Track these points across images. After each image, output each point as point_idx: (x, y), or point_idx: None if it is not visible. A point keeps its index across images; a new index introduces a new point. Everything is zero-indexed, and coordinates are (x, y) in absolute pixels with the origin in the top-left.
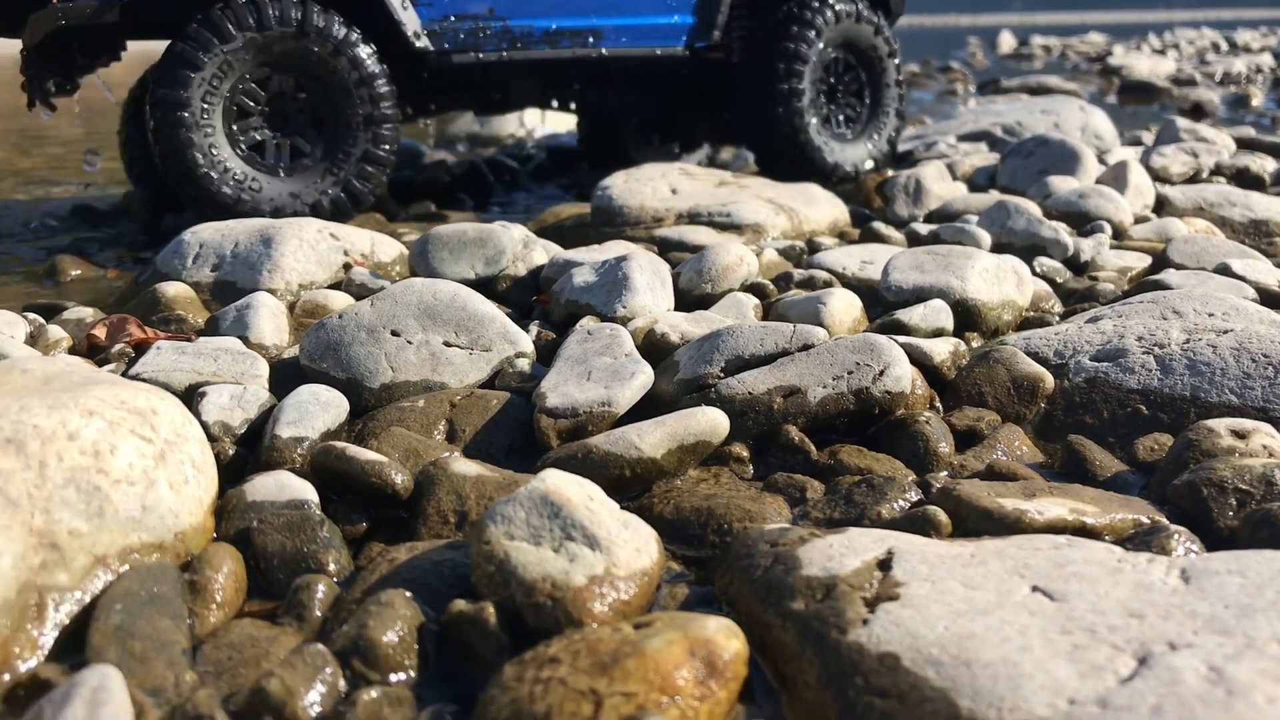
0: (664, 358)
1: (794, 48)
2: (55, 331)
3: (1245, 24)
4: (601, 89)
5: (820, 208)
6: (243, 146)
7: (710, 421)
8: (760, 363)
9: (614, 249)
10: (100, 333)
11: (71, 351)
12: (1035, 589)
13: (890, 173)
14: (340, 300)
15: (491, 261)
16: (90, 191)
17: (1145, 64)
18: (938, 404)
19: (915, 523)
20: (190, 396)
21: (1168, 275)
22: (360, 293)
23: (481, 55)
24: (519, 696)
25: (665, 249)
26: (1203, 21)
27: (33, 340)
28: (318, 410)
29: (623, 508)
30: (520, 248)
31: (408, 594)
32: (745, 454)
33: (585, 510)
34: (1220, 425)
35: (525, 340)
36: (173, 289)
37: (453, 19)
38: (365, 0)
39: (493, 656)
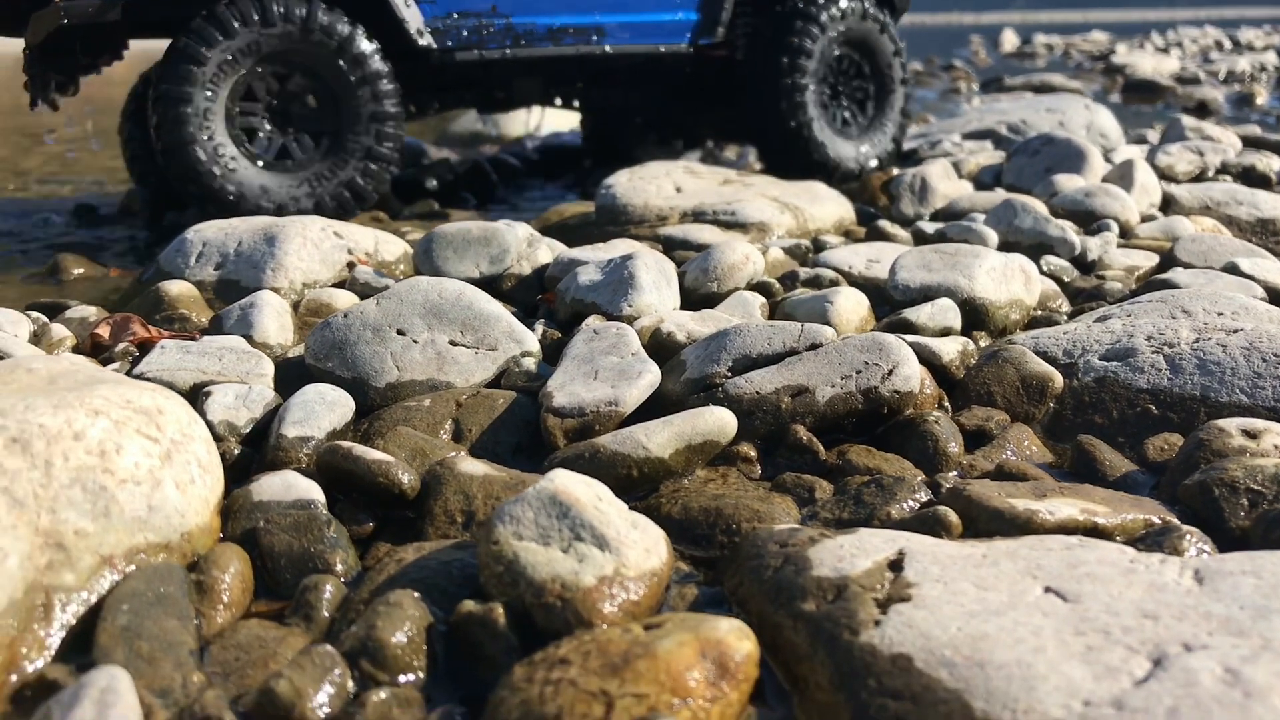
0: (670, 357)
1: (798, 43)
2: (59, 330)
3: (1248, 22)
4: (605, 87)
5: (825, 206)
6: (246, 143)
7: (718, 421)
8: (768, 362)
9: (619, 247)
10: (104, 331)
11: (75, 350)
12: (1048, 590)
13: (895, 171)
14: (345, 299)
15: (496, 260)
16: (92, 190)
17: (1149, 62)
18: (946, 403)
19: (926, 523)
20: (195, 396)
21: (1175, 274)
22: (364, 291)
23: (484, 53)
24: (529, 698)
25: (670, 247)
26: (1205, 20)
27: (36, 339)
28: (323, 410)
29: (630, 508)
30: (525, 246)
31: (416, 594)
32: (753, 454)
33: (594, 510)
34: (1231, 425)
35: (531, 339)
36: (176, 287)
37: (456, 16)
38: None
39: (502, 657)
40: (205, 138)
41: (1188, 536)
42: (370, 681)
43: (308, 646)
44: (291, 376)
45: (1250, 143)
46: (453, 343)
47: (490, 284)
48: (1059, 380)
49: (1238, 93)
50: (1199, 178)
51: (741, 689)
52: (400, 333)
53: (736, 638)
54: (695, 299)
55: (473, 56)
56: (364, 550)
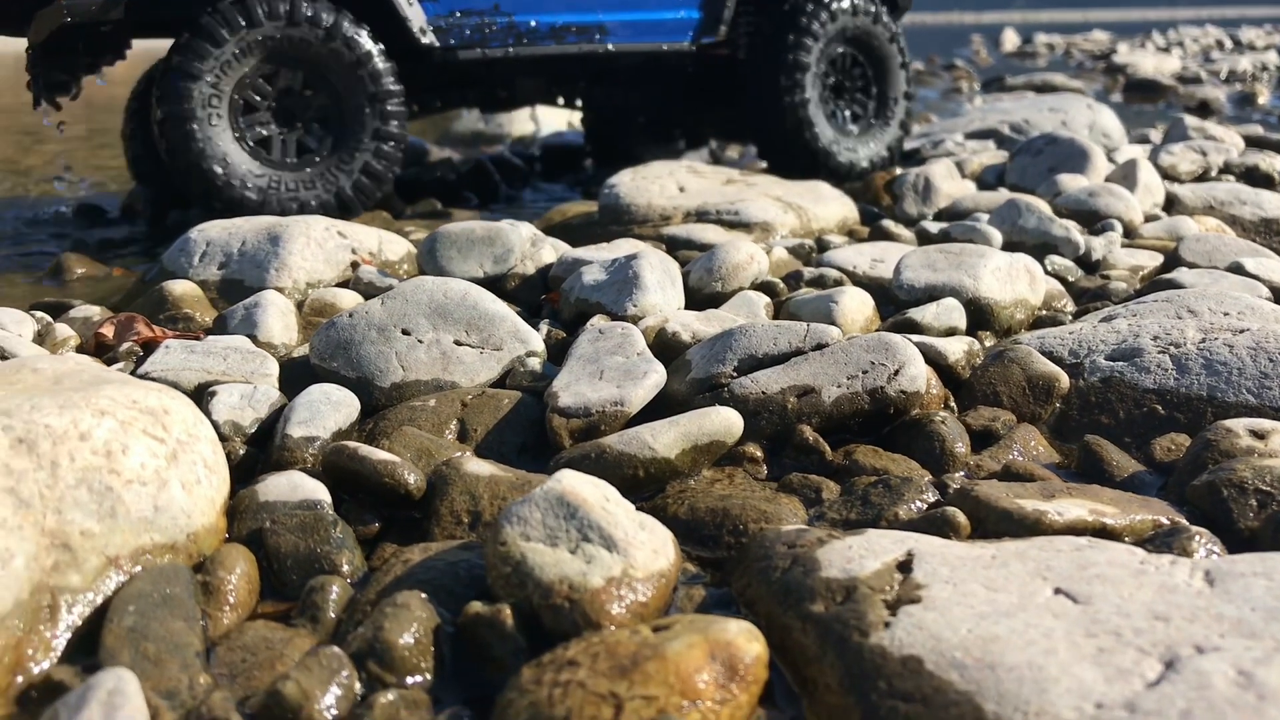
0: (675, 357)
1: (798, 41)
2: (63, 330)
3: (1249, 21)
4: (607, 86)
5: (829, 205)
6: (249, 142)
7: (724, 421)
8: (773, 362)
9: (623, 247)
10: (108, 331)
11: (79, 350)
12: (1058, 591)
13: (899, 170)
14: (349, 299)
15: (500, 260)
16: (95, 190)
17: (1150, 62)
18: (952, 404)
19: (934, 524)
20: (200, 396)
21: (1180, 274)
22: (368, 291)
23: (487, 51)
24: (538, 699)
25: (673, 247)
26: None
27: (40, 339)
28: (329, 410)
29: (637, 508)
30: (529, 246)
31: (423, 595)
32: (759, 454)
33: (602, 511)
34: (1238, 425)
35: (536, 339)
36: (180, 287)
37: (458, 14)
38: None
39: (510, 659)
40: (210, 136)
41: (1197, 537)
42: (377, 683)
43: (314, 648)
44: (296, 376)
45: (1253, 142)
46: (458, 342)
47: (494, 283)
48: (1065, 380)
49: (1239, 92)
50: (1202, 177)
51: (751, 691)
52: (405, 332)
53: (746, 640)
54: (700, 299)
55: (475, 55)
56: (370, 551)
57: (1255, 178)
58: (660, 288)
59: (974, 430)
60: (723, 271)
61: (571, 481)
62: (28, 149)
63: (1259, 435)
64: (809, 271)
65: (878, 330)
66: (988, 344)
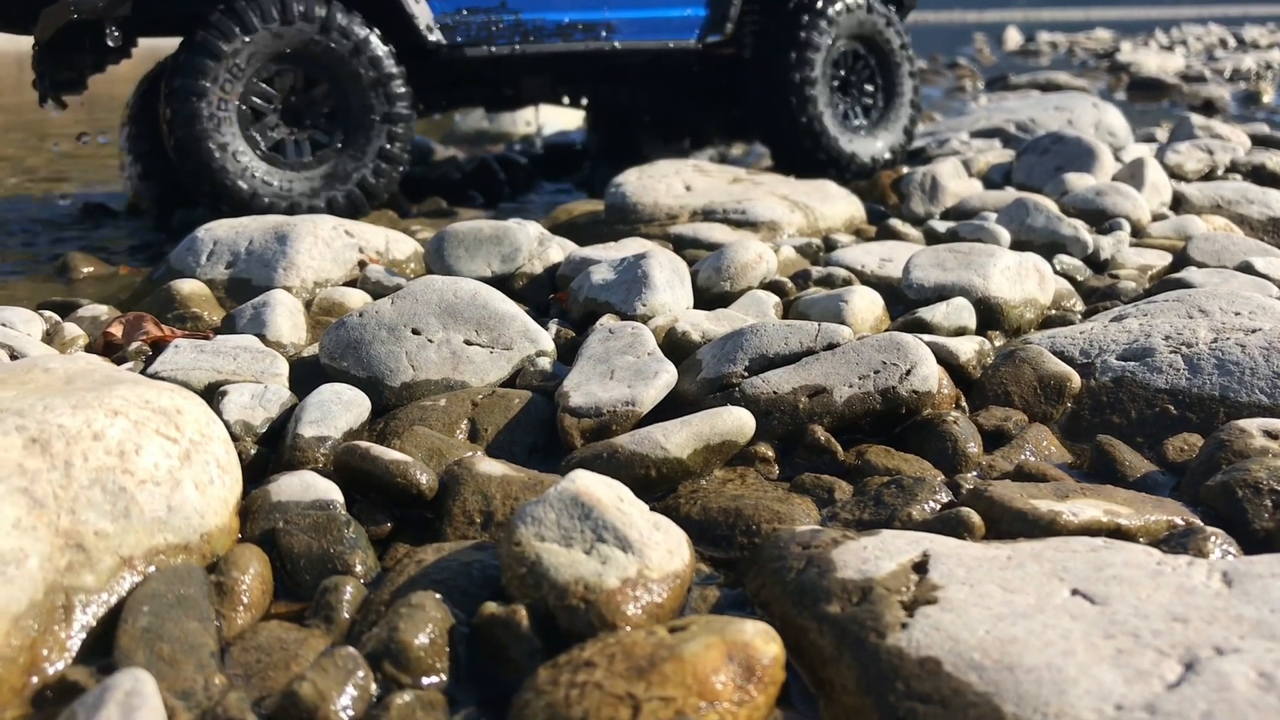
0: (685, 356)
1: (806, 37)
2: (71, 329)
3: (1252, 20)
4: (613, 84)
5: (836, 204)
6: (259, 143)
7: (736, 421)
8: (784, 362)
9: (631, 246)
10: (117, 330)
11: (88, 349)
12: (1075, 592)
13: (905, 169)
14: (357, 298)
15: (508, 259)
16: (98, 189)
17: (1154, 60)
18: (963, 404)
19: (948, 524)
20: (210, 395)
21: (1189, 273)
22: (376, 290)
23: (494, 49)
24: (554, 700)
25: (680, 246)
26: (1209, 17)
27: (49, 338)
28: (340, 409)
29: (650, 509)
30: (536, 245)
31: (437, 596)
32: (771, 454)
33: (616, 511)
34: (1252, 425)
35: (546, 339)
36: (187, 286)
37: (465, 12)
38: None
39: (525, 659)
40: (218, 135)
41: (1212, 538)
42: (393, 684)
43: (330, 649)
44: (306, 376)
45: (1259, 141)
46: (468, 342)
47: (502, 283)
48: (1077, 380)
49: (1244, 91)
50: (1208, 176)
51: (769, 692)
52: (415, 332)
53: (763, 641)
54: (708, 298)
55: (482, 53)
56: (382, 551)
57: (1262, 176)
58: (669, 287)
59: (986, 430)
60: (731, 271)
61: (585, 482)
62: (33, 147)
63: (1273, 436)
64: (817, 271)
65: (887, 330)
66: (997, 343)
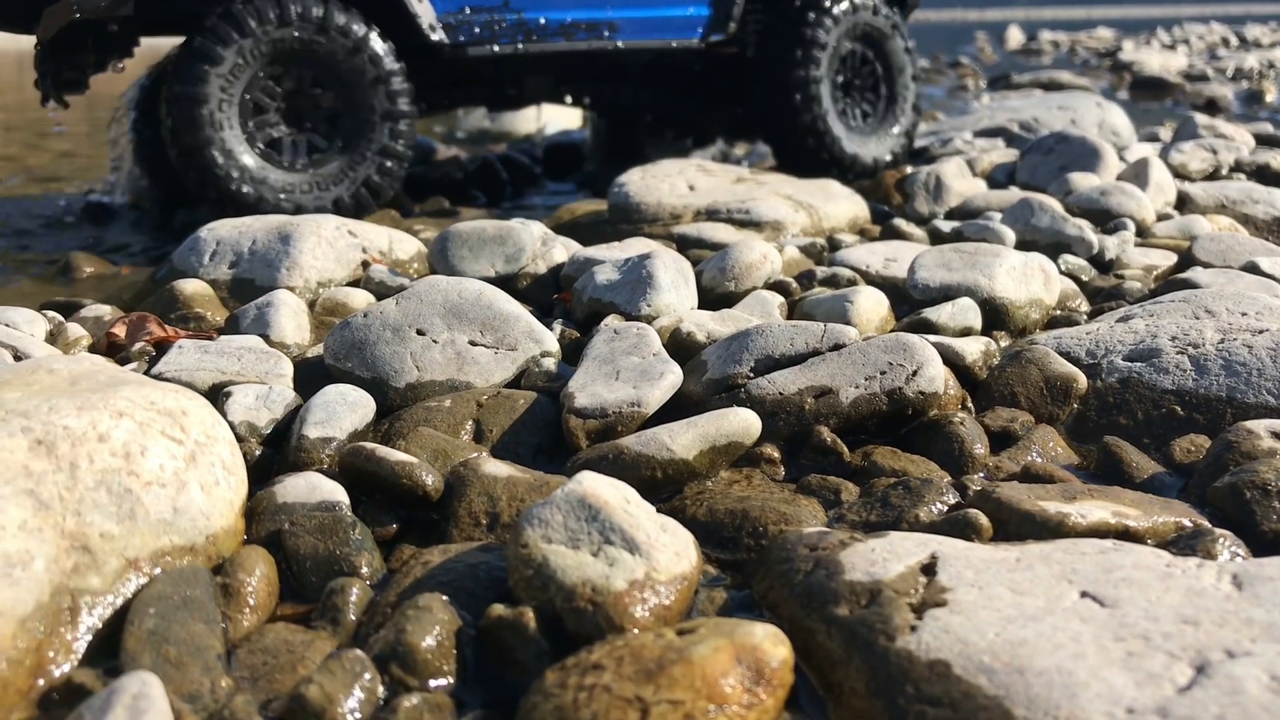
0: (690, 357)
1: (812, 36)
2: (75, 329)
3: (1254, 19)
4: (615, 84)
5: (840, 204)
6: (259, 143)
7: (743, 422)
8: (790, 362)
9: (635, 246)
10: (120, 331)
11: (91, 350)
12: (1084, 594)
13: (909, 169)
14: (361, 298)
15: (511, 259)
16: (101, 188)
17: (1156, 59)
18: (969, 404)
19: (955, 526)
20: (215, 396)
21: (1195, 273)
22: (380, 290)
23: (497, 48)
24: (563, 703)
25: (684, 246)
26: (1211, 16)
27: (52, 338)
28: (345, 410)
29: (656, 510)
30: (540, 245)
31: (444, 598)
32: (777, 455)
33: (623, 513)
34: (1259, 426)
35: (551, 339)
36: (190, 286)
37: (468, 11)
38: None
39: (533, 662)
40: (219, 136)
41: (1221, 540)
42: (400, 686)
43: (336, 651)
44: (310, 377)
45: (1263, 140)
46: (472, 343)
47: (505, 283)
48: (1083, 381)
49: (1247, 90)
50: (1213, 176)
51: (778, 695)
52: (420, 333)
53: (772, 643)
54: (713, 298)
55: (485, 52)
56: (388, 552)
57: (1267, 176)
58: (674, 287)
59: (992, 431)
60: (736, 271)
61: (592, 483)
62: (34, 146)
63: None
64: (821, 271)
65: (893, 330)
66: (1002, 344)
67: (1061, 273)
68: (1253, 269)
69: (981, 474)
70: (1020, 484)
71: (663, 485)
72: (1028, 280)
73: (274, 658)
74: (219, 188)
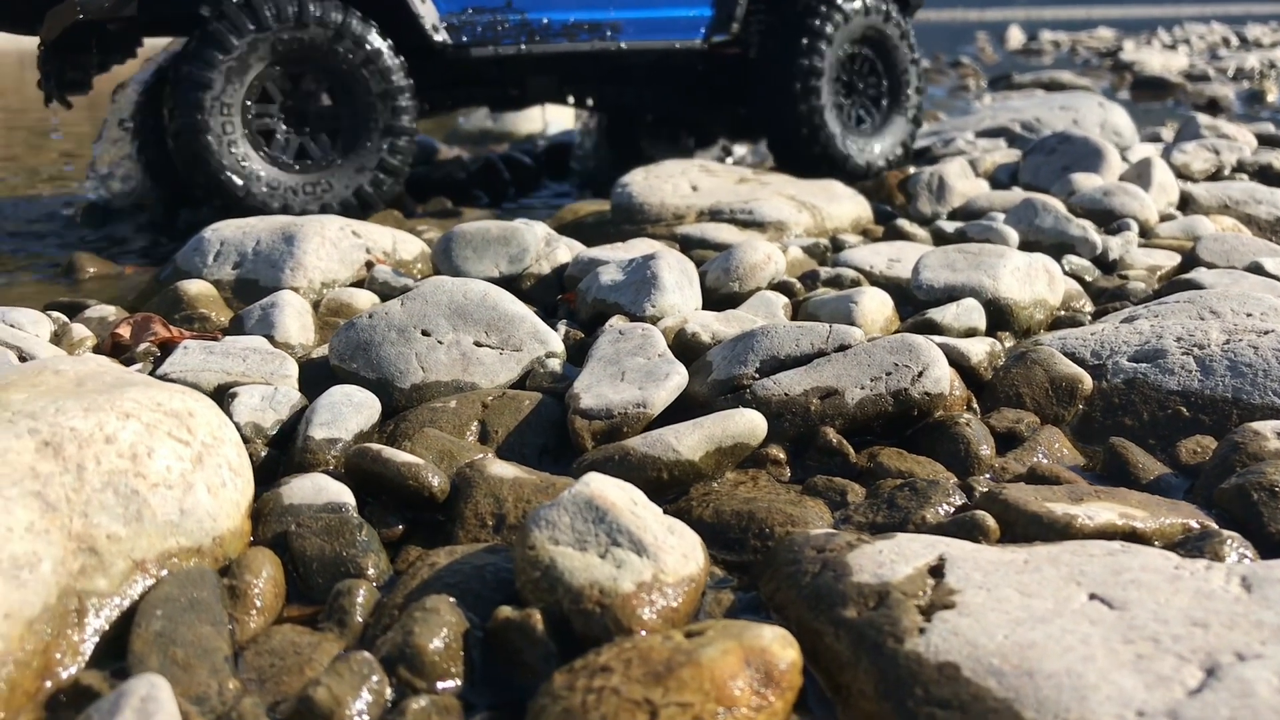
0: (695, 358)
1: (812, 42)
2: (79, 330)
3: (1255, 18)
4: (618, 84)
5: (843, 205)
6: (263, 144)
7: (749, 423)
8: (796, 363)
9: (639, 247)
10: (125, 331)
11: (96, 350)
12: (1093, 597)
13: (912, 169)
14: (365, 298)
15: (515, 260)
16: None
17: (1157, 59)
18: (975, 405)
19: (963, 527)
20: (220, 397)
21: (1199, 274)
22: (384, 291)
23: (500, 49)
24: (571, 706)
25: (687, 246)
26: (1211, 16)
27: (57, 339)
28: (350, 411)
29: (662, 511)
30: (543, 246)
31: (452, 600)
32: (782, 456)
33: (630, 515)
34: (1266, 428)
35: (556, 340)
36: (194, 287)
37: (471, 12)
38: None
39: (540, 664)
40: (221, 138)
41: (1229, 541)
42: (408, 689)
43: (344, 653)
44: (315, 377)
45: (1265, 141)
46: (477, 343)
47: (509, 283)
48: (1088, 382)
49: (1248, 90)
50: (1215, 176)
51: (786, 698)
52: (425, 333)
53: (781, 646)
54: (717, 299)
55: (488, 53)
56: (394, 554)
57: (1269, 176)
58: (679, 288)
59: (998, 432)
60: (740, 271)
61: (599, 485)
62: (36, 146)
63: None
64: (825, 271)
65: (897, 331)
66: (1007, 345)
67: (1065, 273)
68: (1257, 269)
69: (987, 475)
70: (1027, 485)
71: (669, 486)
72: (1032, 281)
73: (281, 660)
74: (209, 175)
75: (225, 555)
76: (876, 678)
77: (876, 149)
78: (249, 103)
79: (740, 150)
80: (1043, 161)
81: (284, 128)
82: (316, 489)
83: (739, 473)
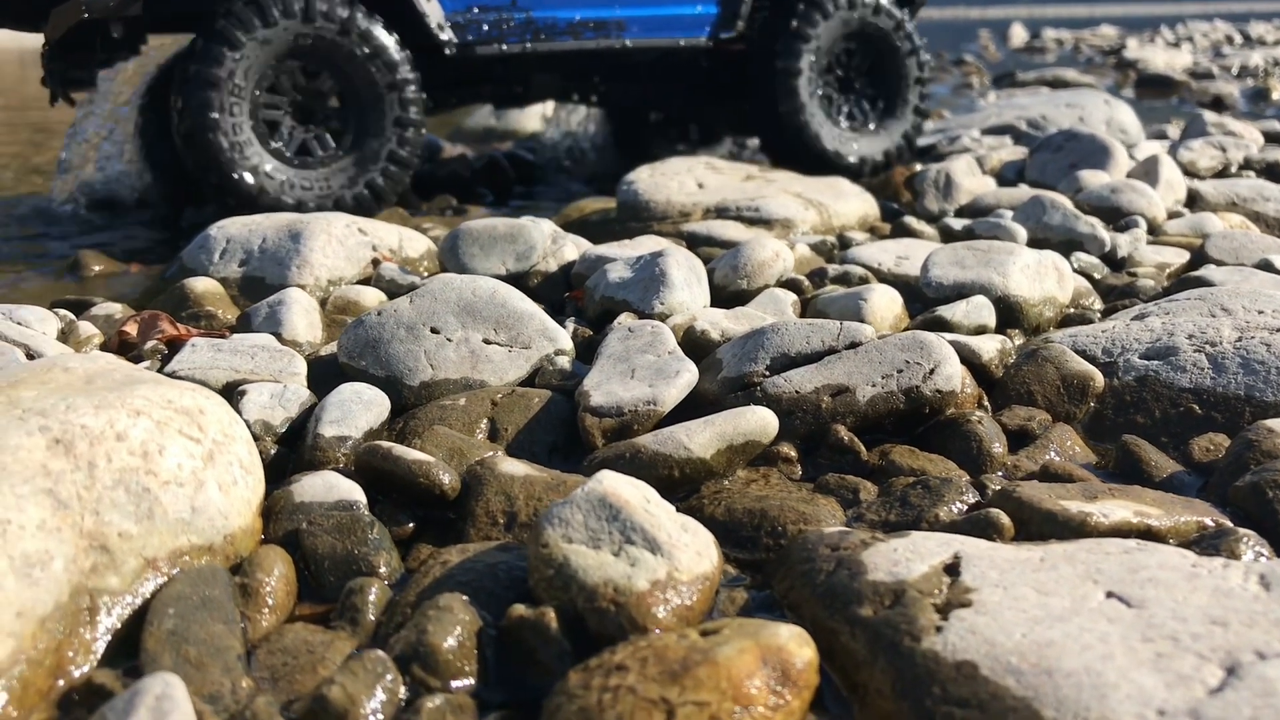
0: (704, 355)
1: (797, 28)
2: (86, 328)
3: (1258, 16)
4: (623, 82)
5: (849, 202)
6: (270, 139)
7: (760, 421)
8: (806, 361)
9: (646, 244)
10: (132, 329)
11: (103, 348)
12: (1111, 595)
13: (918, 166)
14: (372, 296)
15: (522, 257)
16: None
17: (1161, 57)
18: (986, 403)
19: (977, 525)
20: (229, 395)
21: (1209, 271)
22: (391, 288)
23: (505, 47)
24: (587, 704)
25: (694, 244)
26: (1214, 14)
27: (64, 336)
28: (360, 409)
29: (675, 509)
30: (550, 243)
31: (465, 598)
32: (793, 454)
33: (644, 513)
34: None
35: (565, 337)
36: (201, 285)
37: (476, 10)
38: None
39: (555, 662)
40: (229, 133)
41: (1245, 539)
42: (422, 687)
43: (357, 651)
44: (323, 375)
45: (1271, 138)
46: (486, 341)
47: (516, 281)
48: (1100, 379)
49: (1252, 87)
50: (1222, 173)
51: (803, 697)
52: (434, 331)
53: (797, 644)
54: (725, 296)
55: (492, 51)
56: (405, 552)
57: (1276, 173)
58: (687, 285)
59: (1010, 430)
60: (748, 269)
61: (612, 482)
62: (39, 145)
63: None
64: (833, 269)
65: (907, 328)
66: (1016, 342)
67: (1074, 270)
68: (1266, 266)
69: (1000, 473)
70: (1040, 483)
71: (680, 484)
72: (1042, 278)
73: (294, 658)
74: (221, 174)
75: (237, 553)
76: (893, 676)
77: (874, 145)
78: (258, 97)
79: (755, 143)
80: (1050, 159)
81: (293, 123)
82: (327, 487)
83: (750, 470)
